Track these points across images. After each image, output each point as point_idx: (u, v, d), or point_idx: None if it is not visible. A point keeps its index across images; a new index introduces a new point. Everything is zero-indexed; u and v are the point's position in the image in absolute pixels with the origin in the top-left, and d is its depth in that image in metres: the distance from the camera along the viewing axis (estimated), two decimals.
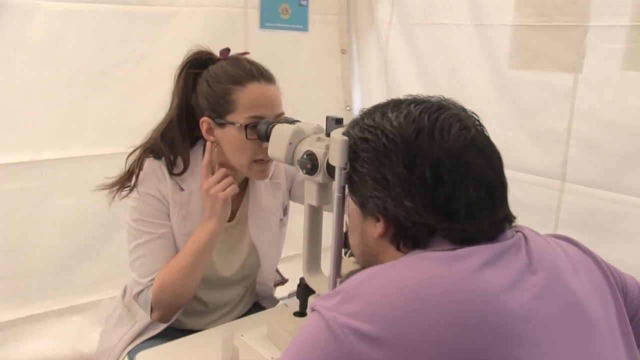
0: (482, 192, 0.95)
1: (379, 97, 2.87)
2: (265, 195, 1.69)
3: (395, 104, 1.03)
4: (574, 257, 1.05)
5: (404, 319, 0.83)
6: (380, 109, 1.04)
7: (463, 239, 0.94)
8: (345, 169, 1.04)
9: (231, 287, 1.72)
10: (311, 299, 1.41)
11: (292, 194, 1.78)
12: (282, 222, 1.77)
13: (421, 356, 0.81)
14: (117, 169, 2.43)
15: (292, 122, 1.47)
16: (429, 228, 0.95)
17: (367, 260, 1.09)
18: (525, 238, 1.01)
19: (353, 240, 1.10)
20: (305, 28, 2.92)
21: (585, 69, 2.13)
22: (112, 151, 2.48)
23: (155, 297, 1.54)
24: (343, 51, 3.05)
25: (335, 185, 1.05)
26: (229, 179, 1.52)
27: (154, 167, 1.55)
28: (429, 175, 0.93)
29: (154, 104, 2.48)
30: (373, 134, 1.00)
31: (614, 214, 2.10)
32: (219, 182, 1.50)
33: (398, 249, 1.00)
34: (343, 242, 1.11)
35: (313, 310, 0.91)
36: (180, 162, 1.56)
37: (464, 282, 0.87)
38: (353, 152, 1.03)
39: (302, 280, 1.49)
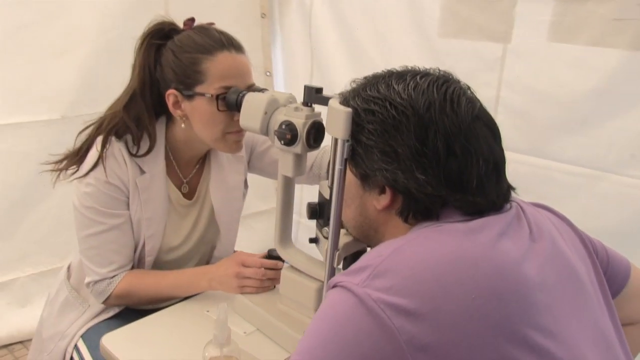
0: (490, 164, 0.97)
1: (303, 63, 2.91)
2: (228, 170, 1.64)
3: (398, 75, 1.02)
4: (557, 224, 1.10)
5: (437, 292, 0.83)
6: (383, 80, 1.02)
7: (474, 210, 0.96)
8: (348, 141, 1.01)
9: (187, 263, 1.66)
10: (284, 272, 1.39)
11: (251, 165, 1.73)
12: (243, 195, 1.72)
13: (455, 327, 0.82)
14: (33, 139, 2.29)
15: (260, 90, 1.41)
16: (442, 200, 0.95)
17: (364, 233, 1.09)
18: (522, 208, 1.05)
19: (348, 213, 1.09)
20: None
21: (514, 39, 2.21)
22: (24, 120, 2.32)
23: (117, 297, 1.51)
24: (263, 15, 2.97)
25: (337, 157, 1.02)
26: (267, 284, 1.47)
27: (112, 150, 1.44)
28: (442, 148, 0.93)
29: (70, 69, 2.36)
30: (380, 105, 0.98)
31: (539, 179, 2.21)
32: (258, 276, 1.45)
33: (406, 220, 1.00)
34: (340, 216, 1.09)
35: (336, 286, 0.90)
36: (145, 140, 1.46)
37: (487, 253, 0.88)
38: (356, 123, 1.01)
39: (271, 252, 1.46)
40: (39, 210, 2.40)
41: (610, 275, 1.14)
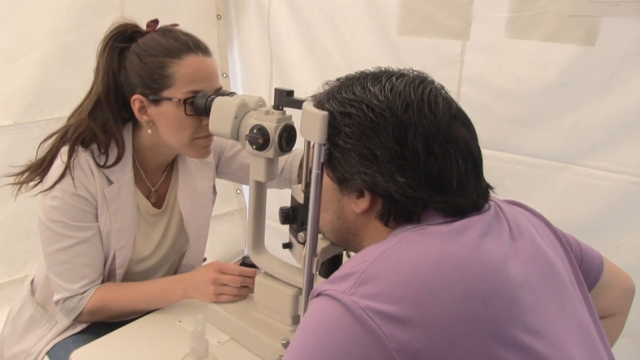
0: (470, 163, 0.97)
1: (262, 64, 2.88)
2: (196, 176, 1.60)
3: (373, 77, 1.00)
4: (532, 221, 1.11)
5: (425, 296, 0.82)
6: (357, 82, 1.00)
7: (456, 211, 0.95)
8: (324, 144, 0.99)
9: (157, 273, 1.62)
10: (259, 279, 1.36)
11: (220, 170, 1.70)
12: (212, 202, 1.68)
13: (445, 331, 0.81)
14: None
15: (229, 94, 1.38)
16: (423, 202, 0.94)
17: (343, 237, 1.07)
18: (500, 207, 1.05)
19: (325, 218, 1.07)
20: None
21: (472, 35, 2.22)
22: None
23: (89, 313, 1.45)
24: (219, 16, 2.92)
25: (314, 162, 1.00)
26: (244, 292, 1.45)
27: (79, 161, 1.38)
28: (422, 150, 0.93)
29: (23, 74, 2.29)
30: (357, 108, 0.96)
31: (503, 172, 2.23)
32: (235, 284, 1.43)
33: (386, 224, 0.98)
34: (318, 221, 1.07)
35: (320, 295, 0.88)
36: (113, 148, 1.40)
37: (472, 254, 0.88)
38: (332, 127, 0.99)
39: (245, 259, 1.44)
40: None
41: (585, 269, 1.15)
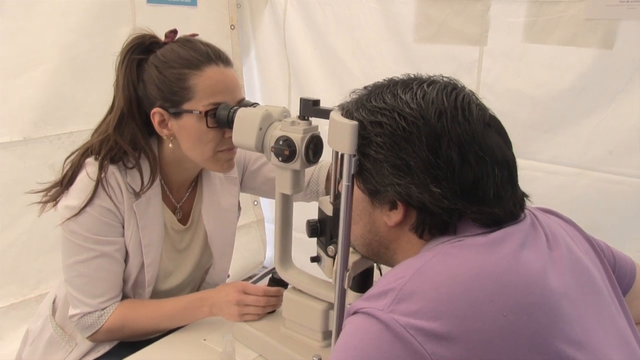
0: (505, 172, 0.94)
1: (280, 75, 2.88)
2: (221, 193, 1.56)
3: (403, 84, 0.98)
4: (567, 229, 1.08)
5: (467, 311, 0.80)
6: (387, 89, 0.98)
7: (492, 221, 0.92)
8: (354, 155, 0.97)
9: (183, 291, 1.58)
10: (287, 294, 1.33)
11: (244, 185, 1.66)
12: (237, 218, 1.65)
13: (488, 346, 0.78)
14: None
15: (251, 105, 1.35)
16: (459, 213, 0.91)
17: (374, 250, 1.04)
18: (535, 215, 1.02)
19: (356, 231, 1.04)
20: (193, 3, 2.77)
21: (490, 41, 2.21)
22: None
23: (107, 331, 1.41)
24: (232, 27, 2.92)
25: (344, 173, 0.98)
26: (269, 310, 1.43)
27: (106, 174, 1.34)
28: (456, 159, 0.90)
29: (31, 88, 2.26)
30: (388, 116, 0.93)
31: (522, 180, 2.19)
32: (260, 304, 1.40)
33: (421, 236, 0.95)
34: (349, 235, 1.04)
35: (357, 313, 0.85)
36: (144, 163, 1.37)
37: (512, 266, 0.85)
38: (363, 137, 0.96)
39: (274, 274, 1.40)
40: (6, 237, 2.25)
41: (618, 275, 1.12)
